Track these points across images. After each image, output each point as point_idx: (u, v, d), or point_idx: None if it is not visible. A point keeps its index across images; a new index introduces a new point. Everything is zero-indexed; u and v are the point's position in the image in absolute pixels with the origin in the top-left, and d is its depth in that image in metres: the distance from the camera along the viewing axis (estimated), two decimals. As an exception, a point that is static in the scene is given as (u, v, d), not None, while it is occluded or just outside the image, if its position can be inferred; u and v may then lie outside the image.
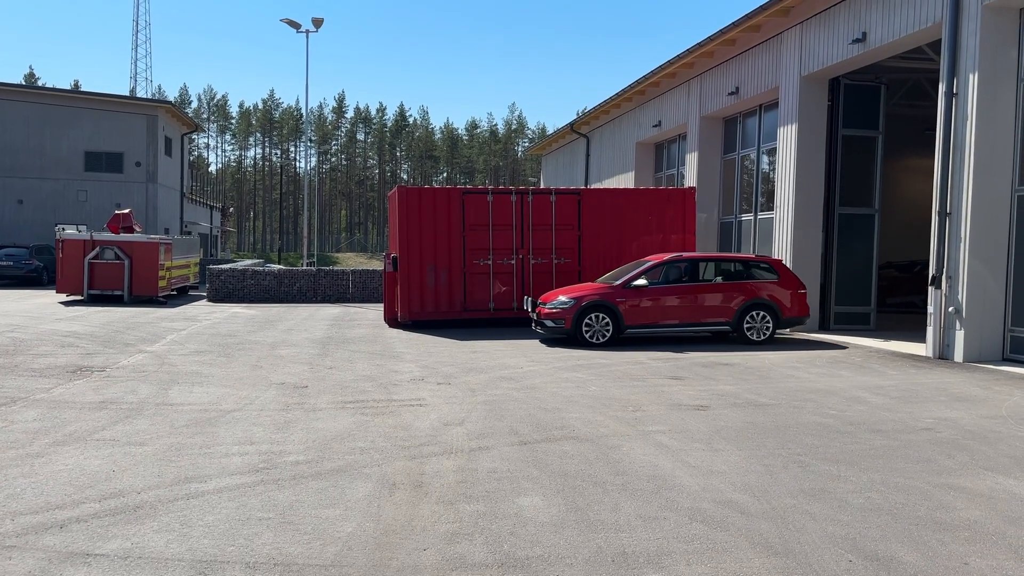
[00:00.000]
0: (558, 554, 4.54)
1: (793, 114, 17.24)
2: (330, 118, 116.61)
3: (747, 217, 20.38)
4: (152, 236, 25.02)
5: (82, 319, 17.89)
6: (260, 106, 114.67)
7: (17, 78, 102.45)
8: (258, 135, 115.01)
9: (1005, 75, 12.44)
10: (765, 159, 19.78)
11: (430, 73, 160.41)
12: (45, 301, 22.58)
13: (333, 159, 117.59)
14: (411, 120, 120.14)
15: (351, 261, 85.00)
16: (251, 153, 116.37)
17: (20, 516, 5.05)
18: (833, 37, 15.93)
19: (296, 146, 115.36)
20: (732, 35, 18.93)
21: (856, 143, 17.67)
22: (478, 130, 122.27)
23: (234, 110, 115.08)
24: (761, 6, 17.01)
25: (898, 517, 5.22)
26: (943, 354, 12.92)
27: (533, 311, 15.04)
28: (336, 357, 12.47)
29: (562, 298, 14.42)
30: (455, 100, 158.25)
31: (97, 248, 22.70)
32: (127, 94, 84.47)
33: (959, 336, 12.67)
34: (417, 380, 10.40)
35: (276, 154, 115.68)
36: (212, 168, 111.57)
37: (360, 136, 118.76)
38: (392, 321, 17.84)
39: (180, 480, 5.85)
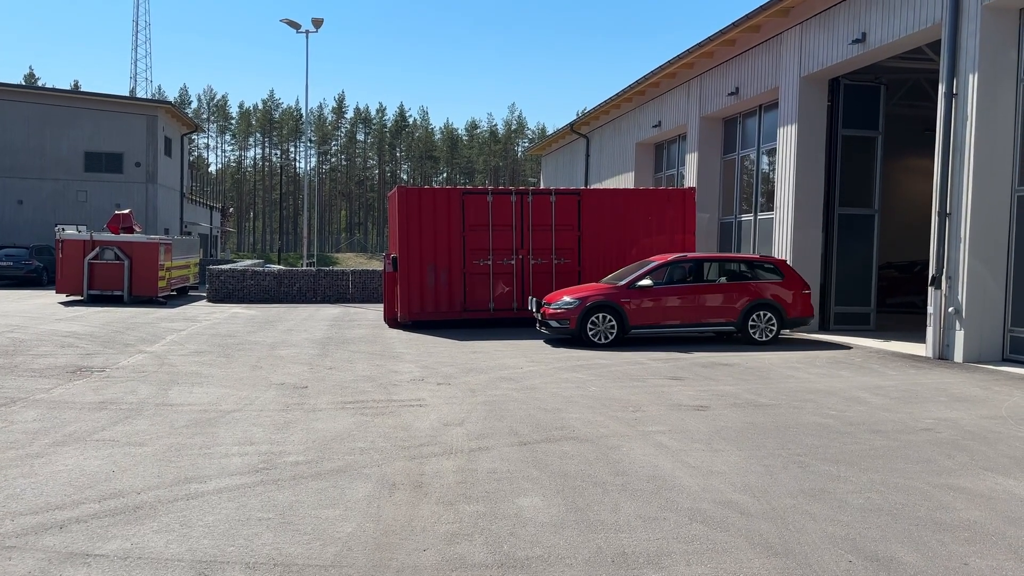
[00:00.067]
0: (558, 554, 4.54)
1: (793, 114, 17.24)
2: (330, 118, 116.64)
3: (747, 217, 20.39)
4: (152, 236, 25.03)
5: (82, 319, 17.89)
6: (260, 106, 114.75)
7: (17, 78, 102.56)
8: (258, 135, 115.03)
9: (1005, 75, 12.44)
10: (765, 159, 19.79)
11: (430, 73, 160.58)
12: (45, 301, 22.58)
13: (333, 159, 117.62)
14: (411, 120, 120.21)
15: (351, 261, 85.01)
16: (251, 153, 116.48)
17: (20, 516, 5.05)
18: (833, 37, 15.93)
19: (296, 146, 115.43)
20: (732, 35, 18.93)
21: (856, 143, 17.67)
22: (478, 130, 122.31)
23: (234, 110, 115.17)
24: (761, 6, 17.01)
25: (898, 517, 5.23)
26: (943, 354, 12.92)
27: (537, 311, 15.04)
28: (336, 357, 12.47)
29: (567, 298, 14.42)
30: (455, 100, 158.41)
31: (97, 248, 22.70)
32: (127, 94, 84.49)
33: (959, 336, 12.68)
34: (417, 380, 10.40)
35: (276, 154, 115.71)
36: (212, 168, 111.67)
37: (360, 136, 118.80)
38: (392, 321, 17.84)
39: (180, 480, 5.85)
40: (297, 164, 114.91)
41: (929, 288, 13.19)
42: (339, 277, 25.31)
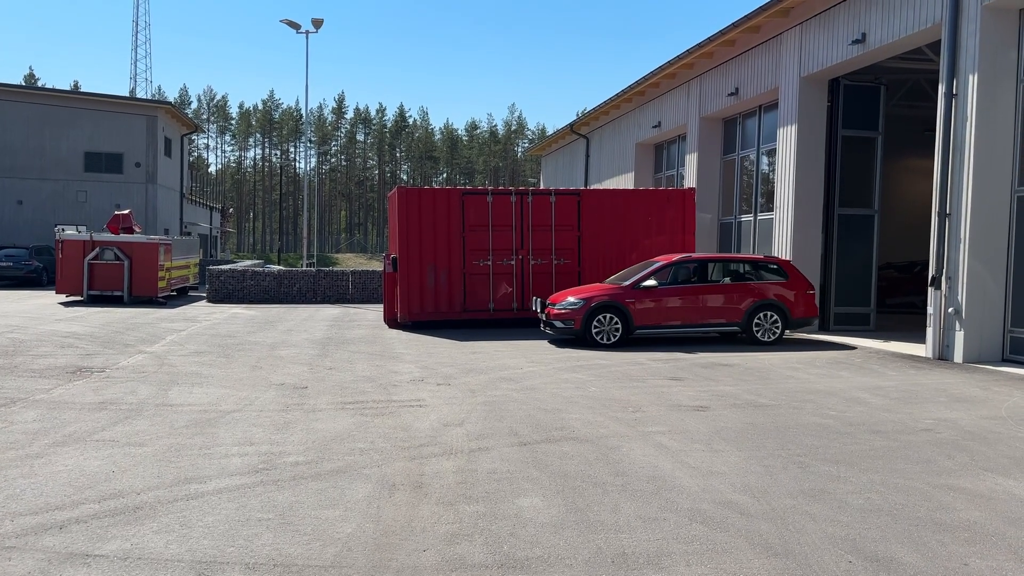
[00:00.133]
0: (558, 555, 4.54)
1: (793, 115, 17.24)
2: (330, 119, 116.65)
3: (747, 218, 20.39)
4: (152, 237, 25.04)
5: (82, 320, 17.89)
6: (260, 107, 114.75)
7: (17, 78, 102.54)
8: (258, 136, 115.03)
9: (1005, 76, 12.44)
10: (765, 160, 19.79)
11: (430, 74, 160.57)
12: (45, 302, 22.58)
13: (333, 160, 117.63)
14: (411, 121, 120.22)
15: (351, 262, 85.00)
16: (251, 154, 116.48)
17: (20, 517, 5.05)
18: (833, 38, 15.94)
19: (296, 147, 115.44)
20: (732, 36, 18.94)
21: (856, 144, 17.67)
22: (478, 131, 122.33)
23: (234, 111, 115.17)
24: (761, 7, 17.02)
25: (898, 518, 5.23)
26: (943, 355, 12.92)
27: (542, 312, 15.04)
28: (336, 358, 12.47)
29: (571, 299, 14.42)
30: (455, 101, 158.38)
31: (97, 249, 22.70)
32: (127, 95, 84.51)
33: (959, 337, 12.68)
34: (417, 381, 10.39)
35: (276, 155, 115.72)
36: (212, 169, 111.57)
37: (360, 137, 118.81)
38: (392, 322, 17.84)
39: (180, 481, 5.85)
40: (297, 164, 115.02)
41: (929, 288, 13.19)
42: (339, 277, 25.31)
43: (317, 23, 32.14)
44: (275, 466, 6.27)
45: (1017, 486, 5.97)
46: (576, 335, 14.27)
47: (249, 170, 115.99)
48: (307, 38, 33.36)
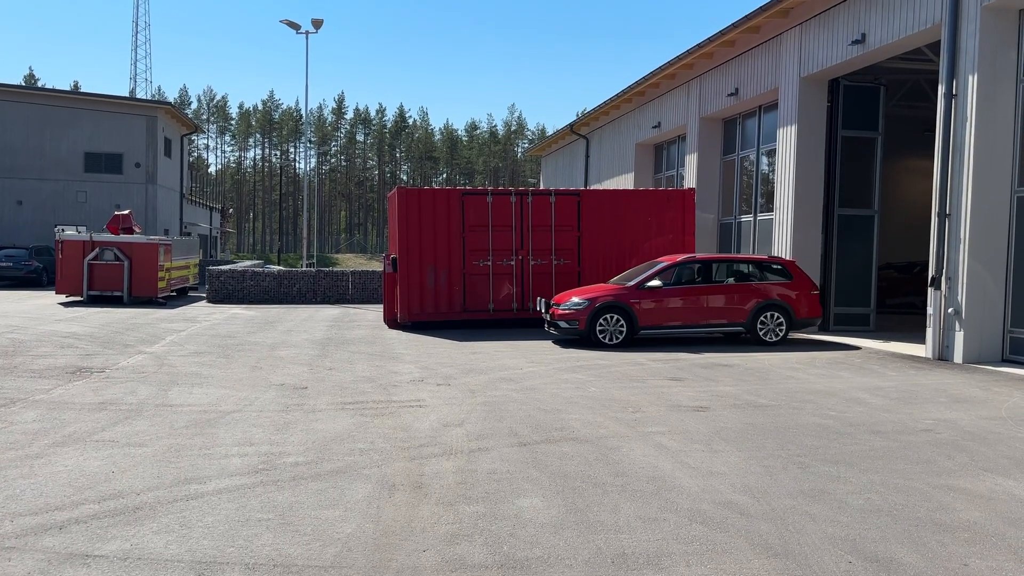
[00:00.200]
0: (558, 555, 4.54)
1: (793, 115, 17.25)
2: (330, 119, 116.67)
3: (747, 218, 20.39)
4: (152, 237, 25.05)
5: (81, 320, 17.89)
6: (260, 107, 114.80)
7: (17, 79, 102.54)
8: (258, 136, 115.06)
9: (1004, 76, 12.45)
10: (764, 160, 19.79)
11: (430, 74, 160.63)
12: (44, 302, 22.58)
13: (333, 160, 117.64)
14: (411, 121, 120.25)
15: (351, 262, 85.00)
16: (251, 154, 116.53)
17: (19, 517, 5.05)
18: (832, 38, 15.94)
19: (296, 147, 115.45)
20: (732, 36, 18.94)
21: (856, 144, 17.68)
22: (478, 131, 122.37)
23: (234, 111, 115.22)
24: (760, 7, 17.02)
25: (898, 518, 5.23)
26: (942, 355, 12.92)
27: (546, 312, 15.04)
28: (336, 358, 12.47)
29: (576, 299, 14.43)
30: (455, 101, 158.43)
31: (97, 249, 22.70)
32: (127, 95, 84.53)
33: (958, 337, 12.68)
34: (417, 381, 10.39)
35: (276, 155, 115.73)
36: (212, 169, 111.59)
37: (360, 137, 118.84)
38: (392, 322, 17.84)
39: (180, 481, 5.85)
40: (297, 165, 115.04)
41: (929, 289, 13.19)
42: (339, 278, 25.31)
43: (317, 23, 32.14)
44: (275, 466, 6.27)
45: (1017, 486, 5.97)
46: (580, 335, 14.27)
47: (249, 170, 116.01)
48: (307, 38, 33.37)
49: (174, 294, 25.69)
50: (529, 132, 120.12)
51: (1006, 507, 5.49)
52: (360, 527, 4.96)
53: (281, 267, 41.45)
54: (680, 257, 15.30)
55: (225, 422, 7.80)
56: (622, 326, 14.16)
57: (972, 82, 12.46)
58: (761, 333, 14.65)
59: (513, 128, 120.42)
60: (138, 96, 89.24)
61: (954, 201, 12.82)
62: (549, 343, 14.68)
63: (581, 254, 17.84)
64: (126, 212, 24.88)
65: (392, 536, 4.82)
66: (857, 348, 14.46)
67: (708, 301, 14.70)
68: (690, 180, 22.19)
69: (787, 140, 17.47)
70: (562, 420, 8.04)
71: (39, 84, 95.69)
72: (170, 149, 39.81)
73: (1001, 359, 12.62)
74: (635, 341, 14.42)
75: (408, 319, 17.21)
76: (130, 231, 24.06)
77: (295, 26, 32.45)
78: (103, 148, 36.61)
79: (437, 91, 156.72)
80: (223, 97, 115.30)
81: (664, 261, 15.22)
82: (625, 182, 27.28)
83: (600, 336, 14.11)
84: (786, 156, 17.50)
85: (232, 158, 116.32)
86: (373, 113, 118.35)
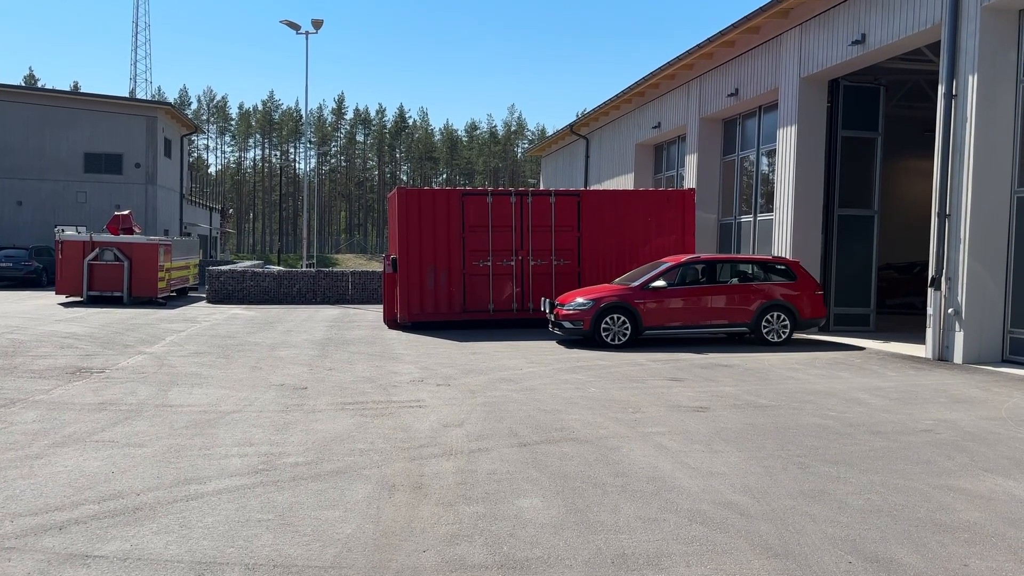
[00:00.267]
0: (557, 555, 4.54)
1: (792, 115, 17.25)
2: (330, 119, 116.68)
3: (747, 218, 20.39)
4: (151, 237, 25.05)
5: (81, 320, 17.89)
6: (260, 107, 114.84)
7: (17, 79, 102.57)
8: (258, 136, 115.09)
9: (1004, 76, 12.45)
10: (764, 160, 19.80)
11: (429, 74, 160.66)
12: (44, 302, 22.58)
13: (333, 160, 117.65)
14: (410, 121, 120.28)
15: (351, 262, 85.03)
16: (251, 154, 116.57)
17: (19, 518, 5.05)
18: (832, 39, 15.94)
19: (296, 147, 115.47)
20: (731, 37, 18.94)
21: (855, 144, 17.68)
22: (478, 131, 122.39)
23: (234, 111, 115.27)
24: (760, 8, 17.02)
25: (898, 518, 5.22)
26: (942, 355, 12.92)
27: (550, 312, 15.04)
28: (335, 358, 12.47)
29: (580, 299, 14.43)
30: (455, 101, 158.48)
31: (97, 249, 22.69)
32: (126, 95, 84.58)
33: (958, 337, 12.68)
34: (416, 382, 10.39)
35: (276, 155, 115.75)
36: (212, 169, 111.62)
37: (360, 137, 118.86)
38: (391, 322, 17.84)
39: (179, 481, 5.85)
40: (297, 165, 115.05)
41: (929, 289, 13.19)
42: (339, 278, 25.31)
43: (317, 24, 32.15)
44: (275, 467, 6.27)
45: (1017, 487, 5.97)
46: (585, 336, 14.27)
47: (249, 171, 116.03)
48: (307, 39, 33.38)
49: (174, 294, 25.69)
50: (529, 132, 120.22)
51: (1006, 507, 5.49)
52: (360, 527, 4.95)
53: (281, 267, 41.45)
54: (685, 257, 15.31)
55: (225, 422, 7.80)
56: (626, 326, 14.17)
57: (972, 82, 12.46)
58: (765, 333, 14.66)
59: (513, 128, 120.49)
60: (138, 96, 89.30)
61: (954, 201, 12.82)
62: (549, 343, 14.68)
63: (581, 254, 17.84)
64: (126, 212, 24.88)
65: (392, 536, 4.82)
66: (857, 348, 14.46)
67: (712, 301, 14.71)
68: (690, 180, 22.19)
69: (787, 140, 17.47)
70: (562, 420, 8.04)
71: (39, 84, 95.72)
72: (170, 149, 39.81)
73: (1001, 359, 12.62)
74: (639, 341, 14.42)
75: (408, 319, 17.21)
76: (130, 231, 24.06)
77: (295, 26, 32.46)
78: (103, 148, 36.62)
79: (437, 91, 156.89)
80: (223, 97, 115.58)
81: (668, 261, 15.23)
82: (625, 182, 27.28)
83: (605, 336, 14.12)
84: (786, 156, 17.50)
85: (232, 158, 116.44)
86: (373, 113, 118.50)
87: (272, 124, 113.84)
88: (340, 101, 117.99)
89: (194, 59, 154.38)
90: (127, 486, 5.72)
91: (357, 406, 8.69)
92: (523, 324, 17.48)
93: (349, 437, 7.25)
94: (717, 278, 15.26)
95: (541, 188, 27.39)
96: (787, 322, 14.71)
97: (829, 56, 16.06)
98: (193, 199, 47.00)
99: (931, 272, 13.13)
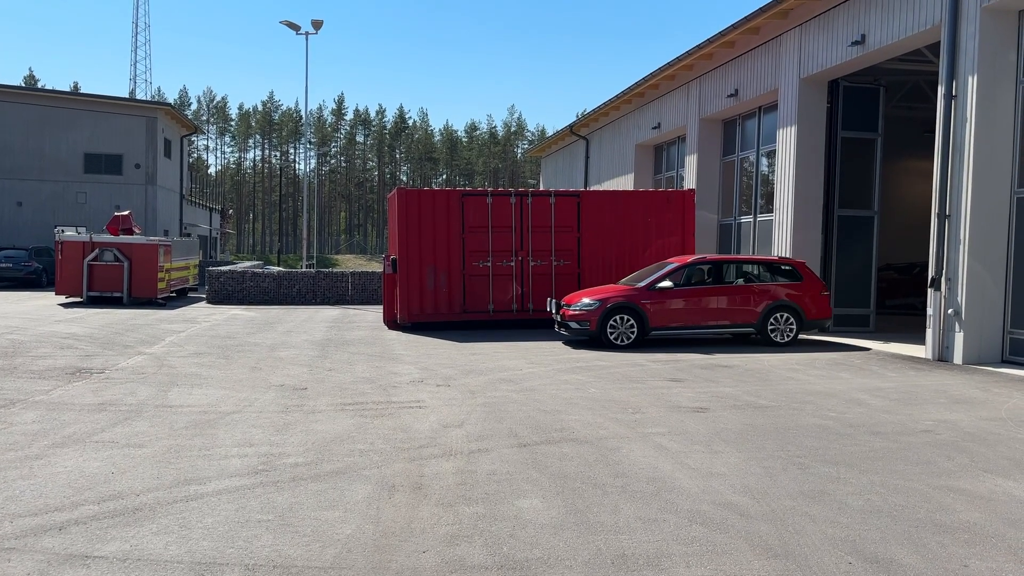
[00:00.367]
0: (557, 556, 4.54)
1: (792, 116, 17.25)
2: (329, 120, 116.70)
3: (746, 219, 20.40)
4: (151, 238, 25.03)
5: (81, 321, 17.89)
6: (260, 108, 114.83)
7: (17, 80, 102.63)
8: (257, 137, 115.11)
9: (1004, 77, 12.45)
10: (764, 161, 19.80)
11: (429, 75, 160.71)
12: (44, 303, 22.57)
13: (332, 161, 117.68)
14: (410, 122, 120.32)
15: (350, 263, 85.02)
16: (250, 155, 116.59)
17: (19, 518, 5.05)
18: (832, 39, 15.95)
19: (296, 148, 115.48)
20: (731, 37, 18.95)
21: (855, 145, 17.68)
22: (477, 132, 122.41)
23: (233, 112, 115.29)
24: (760, 8, 17.03)
25: (898, 519, 5.22)
26: (942, 356, 12.92)
27: (556, 313, 15.04)
28: (335, 359, 12.47)
29: (586, 300, 14.43)
30: (454, 102, 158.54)
31: (96, 250, 22.69)
32: (126, 96, 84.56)
33: (958, 338, 12.68)
34: (416, 382, 10.39)
35: (276, 156, 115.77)
36: (211, 170, 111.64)
37: (359, 138, 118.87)
38: (391, 323, 17.84)
39: (179, 482, 5.85)
40: (297, 166, 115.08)
41: (928, 290, 13.19)
42: (338, 279, 25.31)
43: (317, 24, 32.16)
44: (275, 467, 6.26)
45: (1017, 487, 5.97)
46: (591, 336, 14.28)
47: (249, 171, 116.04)
48: (307, 39, 33.38)
49: (174, 295, 25.69)
50: (529, 133, 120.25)
51: (1006, 508, 5.49)
52: (360, 528, 4.95)
53: (281, 268, 41.46)
54: (691, 258, 15.32)
55: (225, 423, 7.80)
56: (633, 327, 14.17)
57: (972, 83, 12.46)
58: (771, 334, 14.67)
59: (513, 129, 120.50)
60: (138, 97, 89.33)
61: (954, 202, 12.82)
62: (549, 344, 14.68)
63: (581, 255, 17.84)
64: (126, 213, 24.87)
65: (392, 537, 4.82)
66: (857, 349, 14.46)
67: (719, 302, 14.72)
68: (690, 181, 22.20)
69: (787, 141, 17.48)
70: (562, 421, 8.03)
71: (39, 85, 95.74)
72: (170, 150, 39.81)
73: (1001, 360, 12.62)
74: (644, 342, 14.42)
75: (408, 320, 17.21)
76: (130, 232, 24.06)
77: (295, 27, 32.47)
78: (103, 149, 36.62)
79: (437, 92, 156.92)
80: (223, 98, 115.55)
81: (675, 262, 15.23)
82: (625, 183, 27.28)
83: (611, 337, 14.12)
84: (786, 157, 17.50)
85: (232, 159, 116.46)
86: (373, 114, 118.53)
87: (272, 125, 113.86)
88: (340, 102, 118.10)
89: (194, 59, 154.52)
90: (127, 487, 5.72)
91: (357, 407, 8.69)
92: (523, 325, 17.48)
93: (349, 438, 7.25)
94: (723, 279, 15.27)
95: (541, 189, 27.39)
96: (793, 323, 14.72)
97: (829, 57, 16.06)
98: (193, 200, 47.00)
99: (931, 273, 13.13)
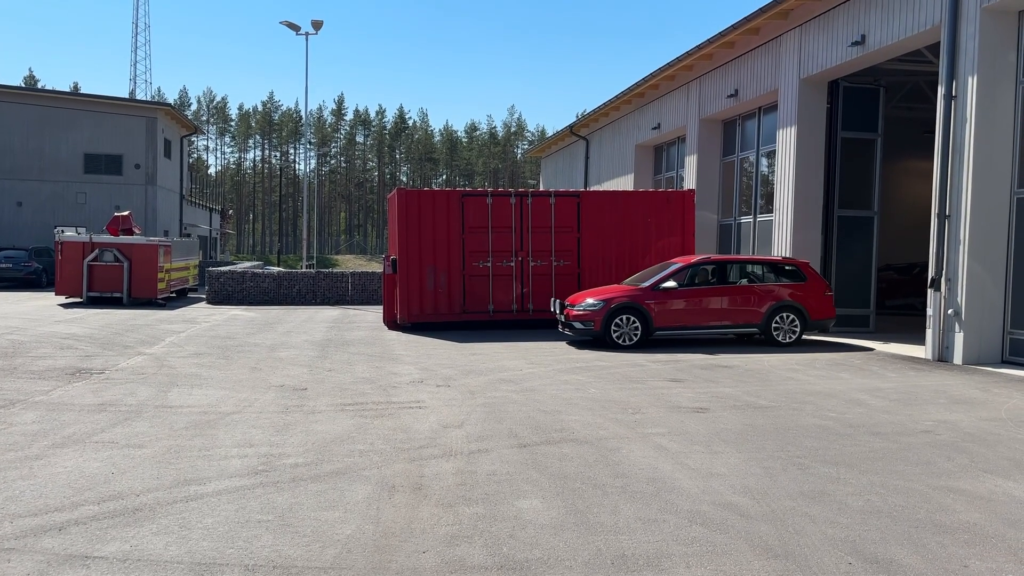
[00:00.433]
0: (557, 556, 4.54)
1: (792, 116, 17.25)
2: (329, 120, 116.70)
3: (746, 219, 20.40)
4: (151, 238, 25.04)
5: (81, 321, 17.88)
6: (259, 108, 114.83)
7: (17, 80, 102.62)
8: (257, 137, 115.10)
9: (1004, 77, 12.45)
10: (764, 161, 19.80)
11: (429, 75, 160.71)
12: (44, 303, 22.57)
13: (332, 161, 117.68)
14: (410, 122, 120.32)
15: (350, 263, 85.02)
16: (250, 155, 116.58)
17: (19, 518, 5.05)
18: (832, 40, 15.95)
19: (296, 148, 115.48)
20: (731, 38, 18.96)
21: (855, 145, 17.68)
22: (477, 132, 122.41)
23: (233, 112, 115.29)
24: (760, 9, 17.03)
25: (897, 519, 5.22)
26: (942, 356, 12.92)
27: (560, 313, 15.05)
28: (335, 359, 12.47)
29: (591, 300, 14.43)
30: (454, 102, 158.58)
31: (96, 250, 22.68)
32: (126, 96, 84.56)
33: (958, 338, 12.68)
34: (416, 382, 10.39)
35: (275, 156, 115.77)
36: (211, 170, 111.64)
37: (359, 138, 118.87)
38: (391, 323, 17.84)
39: (179, 482, 5.85)
40: (297, 166, 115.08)
41: (928, 290, 13.19)
42: (338, 279, 25.31)
43: (317, 25, 32.16)
44: (275, 468, 6.26)
45: (1017, 488, 5.97)
46: (595, 336, 14.28)
47: (249, 172, 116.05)
48: (307, 40, 33.38)
49: (174, 295, 25.68)
50: (529, 133, 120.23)
51: (1006, 508, 5.49)
52: (360, 528, 4.95)
53: (281, 268, 41.46)
54: (695, 258, 15.33)
55: (225, 423, 7.80)
56: (637, 327, 14.17)
57: (972, 83, 12.47)
58: (775, 334, 14.68)
59: (513, 129, 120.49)
60: (138, 97, 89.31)
61: (954, 202, 12.82)
62: (549, 344, 14.68)
63: (581, 255, 17.84)
64: (126, 213, 24.87)
65: (392, 537, 4.82)
66: (857, 349, 14.46)
67: (723, 302, 14.73)
68: (690, 181, 22.20)
69: (787, 141, 17.48)
70: (562, 421, 8.03)
71: (39, 85, 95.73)
72: (170, 150, 39.81)
73: (1001, 360, 12.62)
74: (646, 342, 14.42)
75: (408, 320, 17.21)
76: (130, 232, 24.05)
77: (295, 27, 32.47)
78: (103, 149, 36.62)
79: (437, 92, 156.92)
80: (223, 98, 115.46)
81: (679, 262, 15.24)
82: (625, 183, 27.28)
83: (615, 337, 14.12)
84: (786, 157, 17.50)
85: (232, 159, 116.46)
86: (373, 114, 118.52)
87: (272, 125, 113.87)
88: (340, 102, 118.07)
89: (194, 60, 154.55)
90: (127, 487, 5.72)
91: (357, 407, 8.69)
92: (523, 325, 17.48)
93: (349, 438, 7.25)
94: (727, 279, 15.27)
95: (541, 189, 27.38)
96: (797, 323, 14.73)
97: (829, 57, 16.06)
98: (193, 200, 46.99)
99: (931, 273, 13.13)
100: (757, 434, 7.57)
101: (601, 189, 28.14)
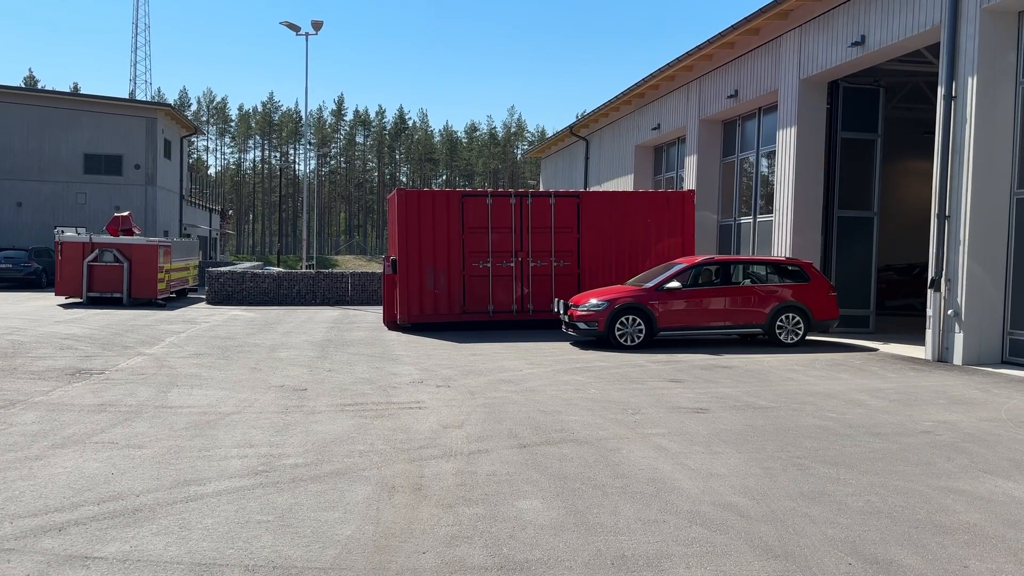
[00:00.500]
0: (557, 557, 4.54)
1: (792, 117, 17.26)
2: (329, 121, 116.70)
3: (746, 220, 20.40)
4: (151, 239, 25.04)
5: (81, 321, 17.88)
6: (259, 109, 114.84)
7: (16, 80, 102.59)
8: (257, 138, 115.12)
9: (1004, 78, 12.45)
10: (764, 162, 19.80)
11: (429, 76, 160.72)
12: (44, 304, 22.57)
13: (332, 162, 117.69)
14: (410, 123, 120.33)
15: (350, 264, 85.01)
16: (250, 156, 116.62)
17: (18, 519, 5.05)
18: (832, 40, 15.95)
19: (295, 149, 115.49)
20: (731, 38, 18.96)
21: (855, 146, 17.68)
22: (477, 133, 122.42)
23: (233, 113, 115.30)
24: (760, 9, 17.03)
25: (897, 520, 5.22)
26: (942, 357, 12.92)
27: (564, 313, 15.05)
28: (335, 360, 12.46)
29: (594, 300, 14.43)
30: (454, 103, 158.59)
31: (96, 251, 22.69)
32: (126, 96, 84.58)
33: (958, 339, 12.68)
34: (416, 383, 10.39)
35: (275, 157, 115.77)
36: (211, 171, 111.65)
37: (359, 139, 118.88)
38: (391, 324, 17.84)
39: (179, 483, 5.84)
40: (296, 167, 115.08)
41: (928, 291, 13.19)
42: (338, 279, 25.31)
43: (317, 25, 32.16)
44: (274, 468, 6.26)
45: (1017, 488, 5.97)
46: (599, 337, 14.28)
47: (249, 172, 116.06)
48: (307, 40, 33.37)
49: (174, 295, 25.68)
50: (529, 134, 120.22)
51: (1006, 509, 5.49)
52: (360, 529, 4.95)
53: (280, 269, 41.45)
54: (699, 259, 15.34)
55: (225, 424, 7.80)
56: (641, 327, 14.17)
57: (971, 84, 12.47)
58: (779, 334, 14.68)
59: (513, 130, 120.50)
60: (138, 98, 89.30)
61: (953, 203, 12.82)
62: (549, 344, 14.68)
63: (581, 256, 17.84)
64: (126, 214, 24.87)
65: (392, 538, 4.82)
66: (857, 350, 14.46)
67: (727, 303, 14.74)
68: (690, 182, 22.20)
69: (787, 142, 17.48)
70: (562, 422, 8.03)
71: (39, 85, 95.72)
72: (170, 151, 39.82)
73: (1001, 361, 12.62)
74: (650, 343, 14.41)
75: (408, 321, 17.21)
76: (130, 233, 24.06)
77: (295, 28, 32.47)
78: (103, 150, 36.63)
79: (437, 93, 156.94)
80: (223, 99, 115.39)
81: (682, 262, 15.24)
82: (625, 184, 27.28)
83: (619, 337, 14.12)
84: (785, 158, 17.50)
85: (232, 160, 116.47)
86: (373, 115, 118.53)
87: (272, 125, 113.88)
88: (340, 102, 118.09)
89: (194, 60, 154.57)
90: (127, 487, 5.72)
91: (357, 407, 8.69)
92: (523, 325, 17.48)
93: (349, 438, 7.25)
94: (731, 279, 15.29)
95: (540, 189, 27.39)
96: (800, 323, 14.74)
97: (829, 58, 16.07)
98: (193, 200, 47.00)
99: (931, 273, 13.13)
100: (757, 434, 7.57)
101: (601, 190, 28.15)
